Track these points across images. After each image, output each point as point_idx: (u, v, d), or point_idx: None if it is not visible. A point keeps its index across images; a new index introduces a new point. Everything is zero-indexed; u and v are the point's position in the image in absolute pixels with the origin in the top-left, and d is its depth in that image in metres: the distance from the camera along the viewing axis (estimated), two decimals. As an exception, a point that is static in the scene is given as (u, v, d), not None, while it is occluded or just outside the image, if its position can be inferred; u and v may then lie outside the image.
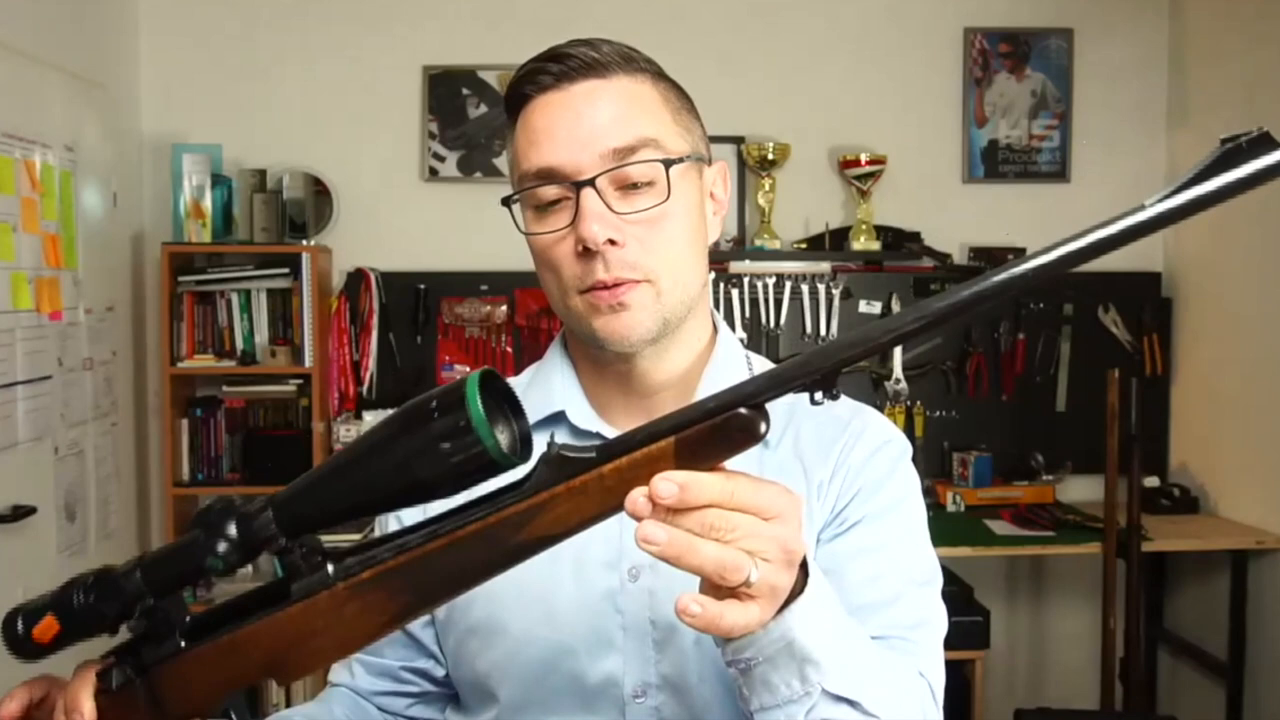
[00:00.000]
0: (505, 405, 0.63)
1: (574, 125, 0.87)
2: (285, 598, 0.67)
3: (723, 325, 1.00)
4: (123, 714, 0.71)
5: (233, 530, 0.66)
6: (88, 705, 0.70)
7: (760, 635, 0.65)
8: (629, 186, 0.87)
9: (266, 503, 0.66)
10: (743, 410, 0.59)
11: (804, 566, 0.67)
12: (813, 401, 0.59)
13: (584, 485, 0.61)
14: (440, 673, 0.99)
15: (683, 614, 0.60)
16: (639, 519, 0.58)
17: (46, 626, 0.69)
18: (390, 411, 0.64)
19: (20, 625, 0.70)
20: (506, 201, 0.91)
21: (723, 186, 0.97)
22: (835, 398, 0.59)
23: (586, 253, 0.86)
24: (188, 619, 0.70)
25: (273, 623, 0.67)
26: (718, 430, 0.59)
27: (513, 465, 0.61)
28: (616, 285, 0.86)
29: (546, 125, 0.88)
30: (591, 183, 0.85)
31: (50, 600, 0.70)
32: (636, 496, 0.58)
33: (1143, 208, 0.53)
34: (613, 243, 0.85)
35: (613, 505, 0.60)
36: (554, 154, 0.86)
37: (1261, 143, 0.50)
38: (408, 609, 0.65)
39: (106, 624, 0.70)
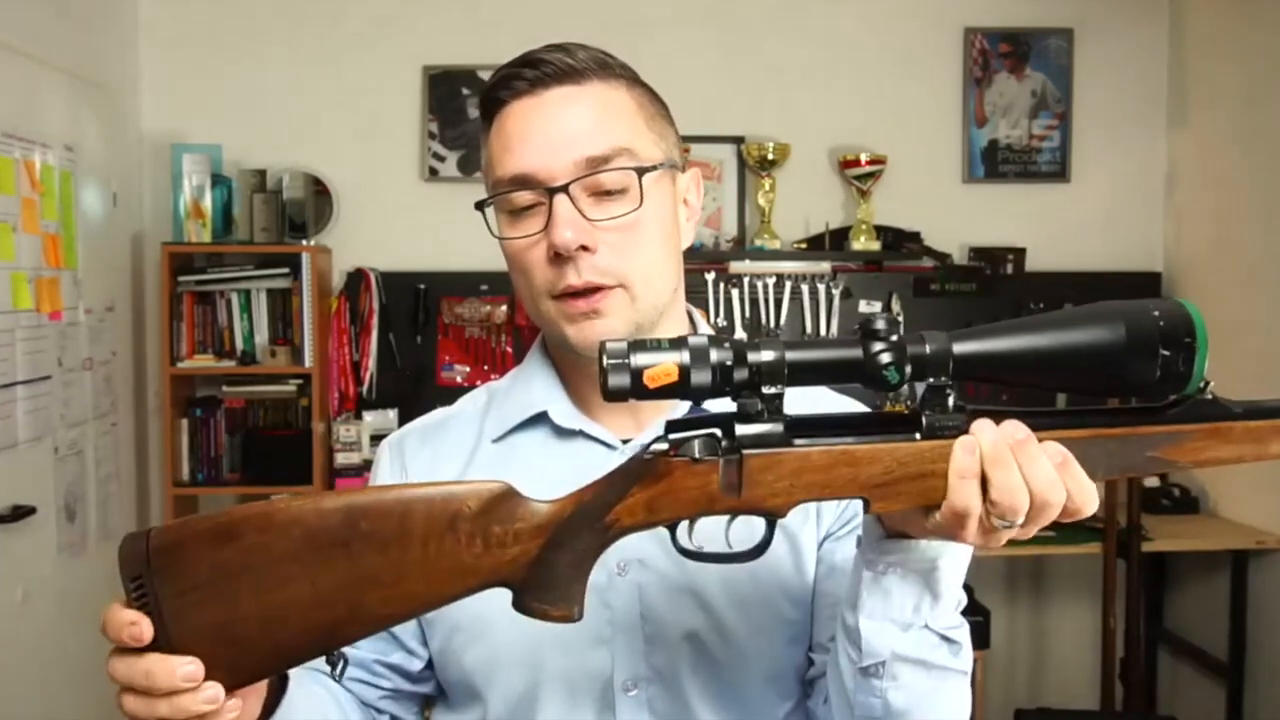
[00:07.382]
0: None
1: (548, 131, 0.87)
2: (911, 427, 0.67)
3: (701, 325, 1.00)
4: (691, 484, 0.68)
5: (893, 355, 0.65)
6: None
7: (914, 547, 0.71)
8: (602, 193, 0.87)
9: (950, 339, 0.66)
10: None
11: None
12: None
13: (1230, 429, 0.67)
14: (415, 667, 0.98)
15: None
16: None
17: (664, 372, 0.64)
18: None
19: (635, 359, 0.64)
20: (480, 205, 0.92)
21: (696, 193, 0.97)
22: None
23: (559, 258, 0.86)
24: (789, 415, 0.67)
25: (898, 449, 0.66)
26: None
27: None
28: (590, 291, 0.87)
29: (520, 131, 0.88)
30: (565, 189, 0.86)
31: (672, 345, 0.65)
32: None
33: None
34: (585, 249, 0.86)
35: (1246, 455, 0.67)
36: (527, 160, 0.87)
37: None
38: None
39: (715, 388, 0.65)
